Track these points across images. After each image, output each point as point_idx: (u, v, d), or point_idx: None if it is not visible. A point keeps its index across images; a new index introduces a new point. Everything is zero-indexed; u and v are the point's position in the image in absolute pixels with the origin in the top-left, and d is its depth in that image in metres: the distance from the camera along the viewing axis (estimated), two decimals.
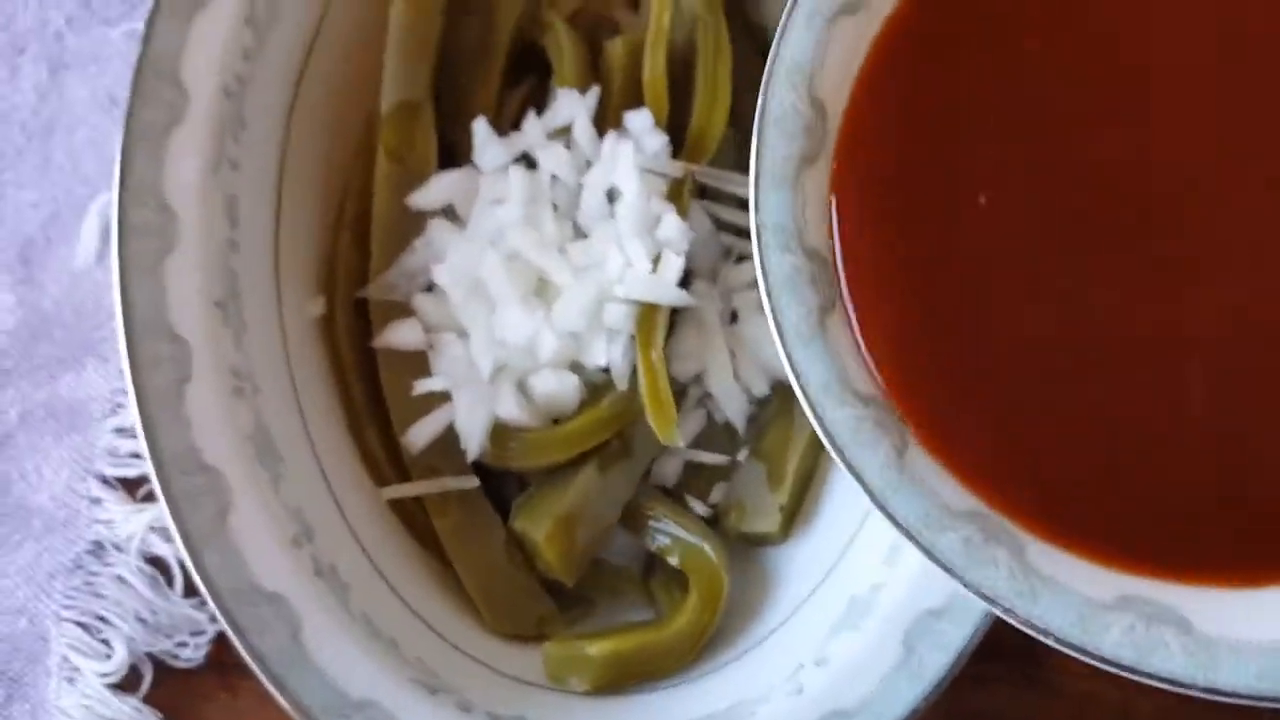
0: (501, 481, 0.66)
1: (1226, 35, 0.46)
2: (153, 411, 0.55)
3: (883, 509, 0.44)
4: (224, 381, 0.57)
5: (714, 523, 0.67)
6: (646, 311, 0.63)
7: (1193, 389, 0.44)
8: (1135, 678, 0.41)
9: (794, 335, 0.45)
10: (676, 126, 0.67)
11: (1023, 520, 0.44)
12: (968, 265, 0.47)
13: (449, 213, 0.66)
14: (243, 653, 0.53)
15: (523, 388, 0.64)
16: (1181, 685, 0.41)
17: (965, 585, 0.43)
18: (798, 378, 0.45)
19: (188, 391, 0.56)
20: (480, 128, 0.66)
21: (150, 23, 0.59)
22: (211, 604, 0.53)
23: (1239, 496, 0.44)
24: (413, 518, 0.64)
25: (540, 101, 0.70)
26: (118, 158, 0.58)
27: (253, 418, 0.58)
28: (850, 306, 0.45)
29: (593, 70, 0.70)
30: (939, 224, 0.47)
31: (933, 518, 0.44)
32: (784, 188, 0.46)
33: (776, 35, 0.46)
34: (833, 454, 0.45)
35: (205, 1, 0.60)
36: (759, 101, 0.47)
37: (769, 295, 0.46)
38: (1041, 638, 0.42)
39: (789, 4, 0.48)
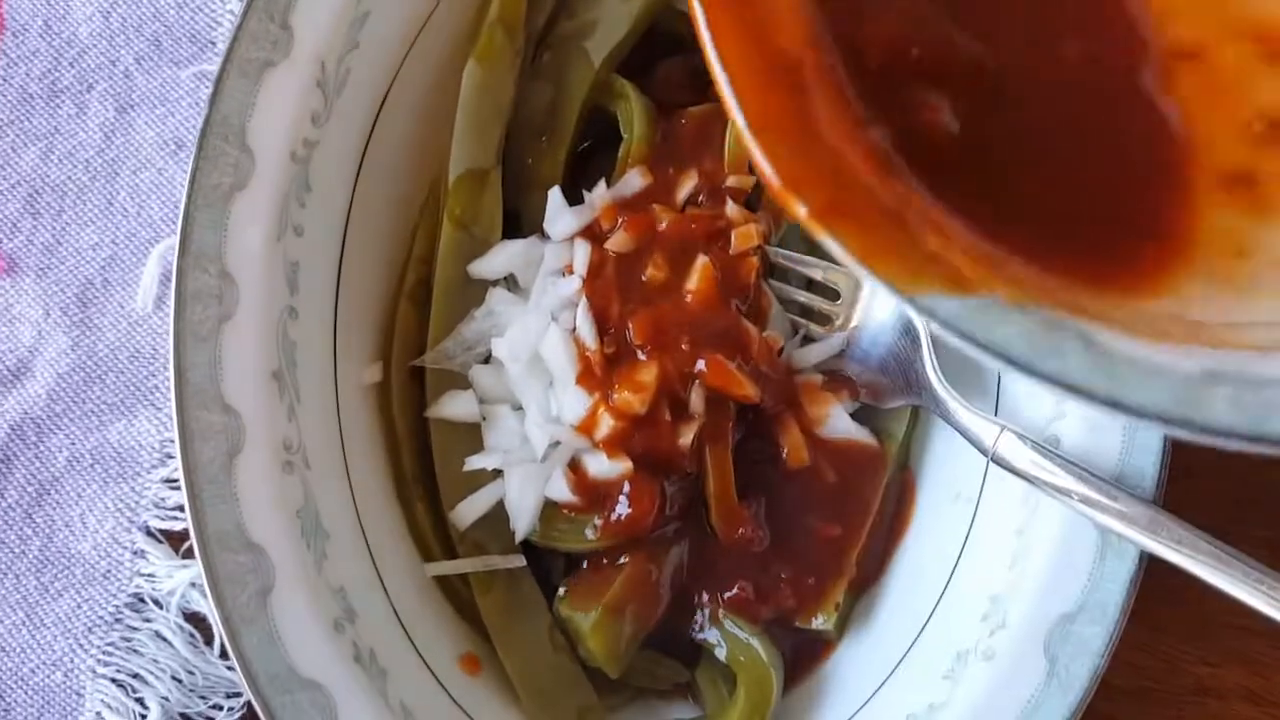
0: (547, 559, 0.65)
1: None
2: (201, 485, 0.54)
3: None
4: (275, 455, 0.56)
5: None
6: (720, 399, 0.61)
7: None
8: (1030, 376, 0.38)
9: None
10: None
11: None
12: None
13: (510, 282, 0.65)
14: None
15: (575, 467, 0.62)
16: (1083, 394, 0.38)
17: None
18: None
19: (238, 465, 0.55)
20: (555, 197, 0.64)
21: (219, 82, 0.58)
22: (247, 689, 0.52)
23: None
24: (457, 594, 0.63)
25: (600, 163, 0.68)
26: (179, 222, 0.57)
27: (302, 492, 0.57)
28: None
29: (659, 134, 0.68)
30: None
31: None
32: None
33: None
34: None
35: (275, 62, 0.59)
36: None
37: None
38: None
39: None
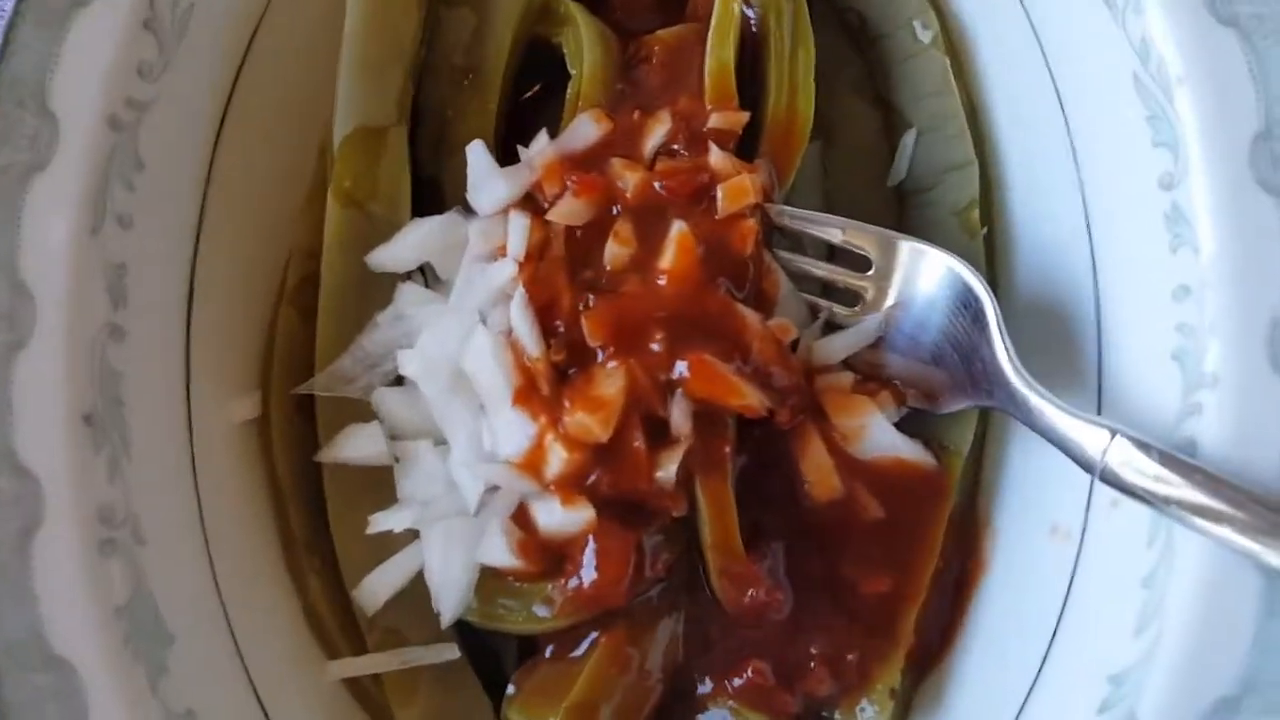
0: (495, 643, 0.49)
1: None
2: None
3: None
4: (88, 531, 0.41)
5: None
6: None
7: None
8: None
9: None
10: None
11: None
12: None
13: (427, 276, 0.50)
14: None
15: (521, 519, 0.46)
16: None
17: None
18: None
19: (35, 549, 0.40)
20: (477, 154, 0.49)
21: (9, 31, 0.44)
22: None
23: None
24: (372, 701, 0.47)
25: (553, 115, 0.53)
26: None
27: (130, 580, 0.42)
28: None
29: (619, 68, 0.52)
30: None
31: None
32: None
33: None
34: None
35: (85, 0, 0.44)
36: None
37: None
38: None
39: None
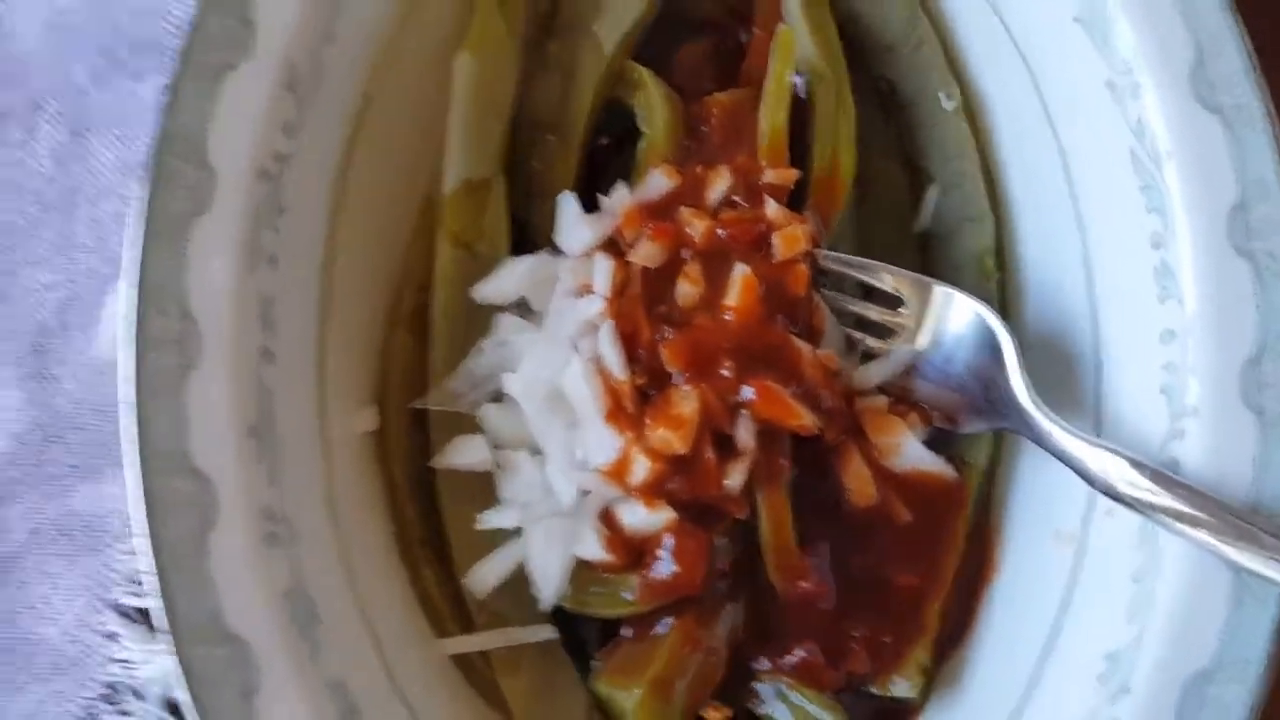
0: (581, 626, 0.56)
1: None
2: (170, 568, 0.45)
3: None
4: (255, 527, 0.47)
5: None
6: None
7: None
8: None
9: None
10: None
11: None
12: None
13: (523, 307, 0.56)
14: None
15: (608, 519, 0.53)
16: None
17: None
18: None
19: (212, 542, 0.46)
20: (567, 203, 0.56)
21: (172, 90, 0.50)
22: None
23: None
24: (479, 675, 0.54)
25: (621, 164, 0.60)
26: (136, 256, 0.48)
27: (288, 570, 0.48)
28: None
29: (686, 129, 0.59)
30: None
31: None
32: None
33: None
34: None
35: (236, 64, 0.50)
36: None
37: None
38: None
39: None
